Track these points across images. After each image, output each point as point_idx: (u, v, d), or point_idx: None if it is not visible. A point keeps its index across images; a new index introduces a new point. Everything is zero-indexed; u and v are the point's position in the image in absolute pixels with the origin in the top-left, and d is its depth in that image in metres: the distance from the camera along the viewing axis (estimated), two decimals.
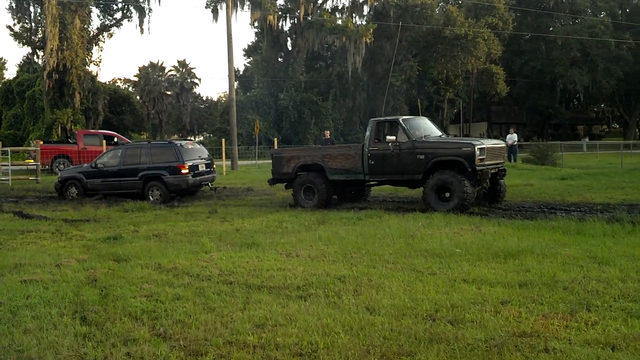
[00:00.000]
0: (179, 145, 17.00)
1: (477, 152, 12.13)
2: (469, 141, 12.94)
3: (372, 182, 14.45)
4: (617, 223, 9.66)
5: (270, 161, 15.77)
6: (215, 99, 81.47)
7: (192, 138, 51.50)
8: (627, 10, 60.58)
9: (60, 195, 17.90)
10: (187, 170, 16.33)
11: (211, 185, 17.82)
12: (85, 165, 19.08)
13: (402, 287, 6.25)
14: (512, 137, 29.32)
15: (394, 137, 13.06)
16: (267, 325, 5.12)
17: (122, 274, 7.21)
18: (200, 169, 17.09)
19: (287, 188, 15.15)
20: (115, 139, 29.13)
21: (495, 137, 53.28)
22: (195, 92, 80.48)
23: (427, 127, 13.86)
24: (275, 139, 32.49)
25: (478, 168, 12.20)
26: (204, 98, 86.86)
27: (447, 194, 12.39)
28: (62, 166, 27.80)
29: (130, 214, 13.80)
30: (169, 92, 74.78)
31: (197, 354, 4.53)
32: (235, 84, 57.43)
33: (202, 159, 17.47)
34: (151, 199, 16.42)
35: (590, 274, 6.49)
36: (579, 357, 4.16)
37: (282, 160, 14.83)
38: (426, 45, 51.11)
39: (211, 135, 50.29)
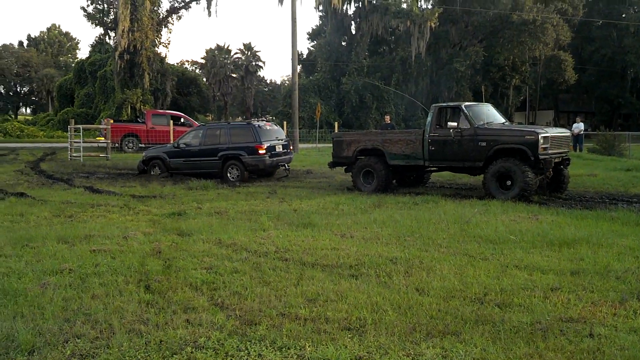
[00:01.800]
0: (257, 126, 17.40)
1: (541, 141, 11.91)
2: (532, 129, 12.70)
3: (431, 168, 14.44)
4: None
5: (331, 145, 15.95)
6: (278, 82, 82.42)
7: (271, 119, 52.40)
8: None
9: (142, 173, 18.49)
10: (264, 151, 16.67)
11: (287, 166, 18.14)
12: (168, 145, 19.78)
13: (452, 270, 6.36)
14: (579, 126, 28.54)
15: (455, 124, 12.97)
16: (318, 300, 5.34)
17: (184, 247, 7.59)
18: (277, 150, 17.41)
19: (347, 171, 15.27)
20: (182, 120, 29.95)
21: (562, 126, 51.87)
22: (259, 75, 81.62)
23: (490, 114, 13.67)
24: (336, 123, 32.66)
25: (541, 157, 11.97)
26: (268, 81, 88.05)
27: (509, 182, 12.24)
28: (131, 144, 28.87)
29: (194, 192, 14.31)
30: (234, 75, 76.04)
31: (251, 324, 4.78)
32: (299, 67, 57.93)
33: (279, 140, 17.80)
34: (230, 178, 16.86)
35: None
36: (623, 343, 4.20)
37: (342, 143, 14.95)
38: (492, 31, 50.00)
39: (274, 118, 50.87)
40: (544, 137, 12.04)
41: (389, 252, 7.20)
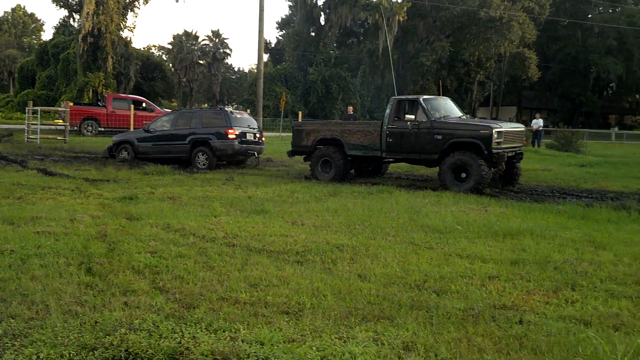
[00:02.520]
0: (229, 112, 17.45)
1: (495, 135, 12.15)
2: (486, 124, 12.98)
3: (388, 160, 14.64)
4: (624, 210, 9.69)
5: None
6: (246, 70, 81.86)
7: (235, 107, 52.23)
8: None
9: (110, 158, 18.25)
10: (234, 136, 16.55)
11: (257, 155, 18.03)
12: (140, 129, 19.55)
13: (396, 258, 6.44)
14: (538, 122, 29.08)
15: (413, 116, 13.10)
16: (260, 285, 5.35)
17: (131, 231, 7.52)
18: (248, 138, 17.28)
19: (306, 160, 15.39)
20: (144, 104, 29.57)
21: (524, 122, 52.72)
22: (227, 63, 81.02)
23: (447, 108, 13.88)
24: (300, 113, 32.62)
25: (494, 151, 12.20)
26: (236, 69, 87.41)
27: (464, 175, 12.44)
28: (90, 128, 28.39)
29: (149, 176, 14.17)
30: (201, 62, 75.25)
31: (190, 307, 4.76)
32: (266, 56, 57.79)
33: (251, 128, 17.69)
34: (198, 164, 16.70)
35: (583, 257, 6.61)
36: (550, 330, 4.32)
37: (302, 133, 15.07)
38: (460, 26, 50.49)
39: (239, 106, 50.57)
40: (498, 132, 12.27)
41: (337, 240, 7.26)
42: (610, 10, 57.68)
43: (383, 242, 7.21)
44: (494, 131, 12.18)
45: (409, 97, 14.53)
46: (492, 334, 4.26)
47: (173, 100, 67.01)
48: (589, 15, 58.18)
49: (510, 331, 4.31)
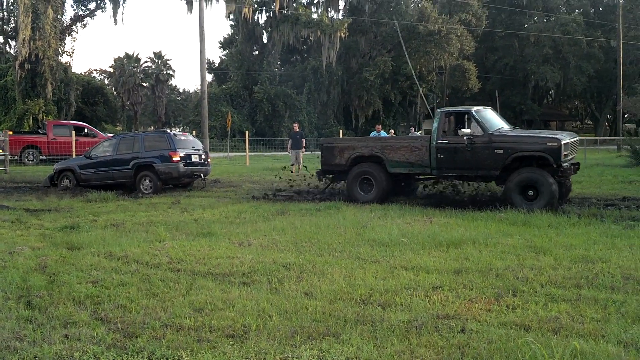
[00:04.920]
0: (172, 134, 17.16)
1: (563, 147, 11.26)
2: (553, 135, 11.89)
3: (440, 176, 13.33)
4: (564, 215, 9.99)
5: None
6: (191, 91, 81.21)
7: (178, 129, 51.59)
8: (600, 8, 61.47)
9: (51, 187, 17.69)
10: (178, 159, 16.28)
11: (203, 177, 17.78)
12: (80, 156, 18.98)
13: (343, 273, 6.47)
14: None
15: (469, 130, 12.08)
16: (205, 310, 5.29)
17: (72, 261, 7.34)
18: (193, 160, 17.04)
19: (335, 181, 14.60)
20: (86, 130, 29.01)
21: None
22: (171, 84, 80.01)
23: (496, 119, 12.97)
24: (247, 132, 32.56)
25: (563, 164, 11.33)
26: (181, 90, 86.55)
27: (531, 193, 11.39)
28: (31, 157, 27.64)
29: (92, 204, 13.85)
30: (144, 84, 74.16)
31: (132, 336, 4.68)
32: (210, 76, 57.57)
33: (195, 150, 17.44)
34: (143, 189, 16.34)
35: (524, 262, 6.78)
36: (492, 337, 4.40)
37: (334, 150, 13.84)
38: (400, 41, 51.40)
39: (185, 127, 50.15)
40: (565, 144, 11.40)
41: (284, 259, 7.24)
42: (545, 20, 59.65)
43: (330, 259, 7.24)
44: (562, 143, 11.25)
45: (459, 109, 13.36)
46: (434, 344, 4.32)
47: (117, 124, 65.88)
48: (525, 25, 59.98)
49: (452, 340, 4.38)
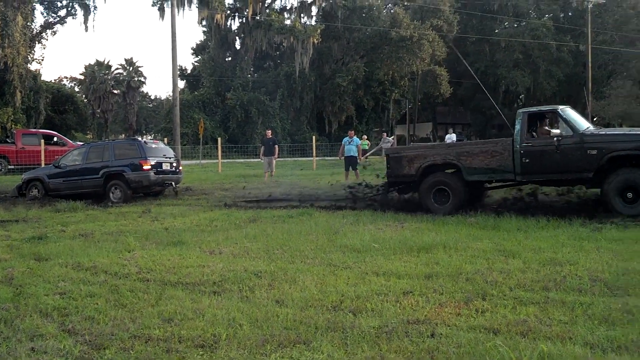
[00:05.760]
0: (142, 142, 17.01)
1: None
2: None
3: (521, 182, 12.29)
4: (532, 218, 10.11)
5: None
6: (163, 98, 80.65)
7: (149, 137, 51.13)
8: (569, 13, 62.47)
9: (19, 197, 17.41)
10: (149, 167, 16.12)
11: (175, 185, 17.63)
12: (50, 165, 18.72)
13: (314, 280, 6.46)
14: (451, 137, 30.17)
15: (558, 131, 11.44)
16: (174, 320, 5.24)
17: (39, 272, 7.23)
18: (164, 168, 16.89)
19: (402, 193, 13.40)
20: (55, 139, 28.59)
21: (440, 137, 54.43)
22: (142, 91, 79.50)
23: (581, 118, 12.26)
24: (219, 139, 32.40)
25: None
26: (152, 97, 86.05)
27: (630, 195, 10.52)
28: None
29: (61, 214, 13.66)
30: (115, 91, 73.44)
31: (100, 348, 4.61)
32: (182, 83, 57.16)
33: (167, 157, 17.29)
34: (112, 198, 16.12)
35: (494, 266, 6.84)
36: (461, 341, 4.43)
37: (402, 160, 12.72)
38: (373, 47, 51.69)
39: (157, 134, 49.77)
40: None
41: (255, 266, 7.21)
42: (515, 25, 60.35)
43: (301, 266, 7.22)
44: None
45: (543, 108, 12.57)
46: (405, 349, 4.33)
47: (88, 132, 65.09)
48: (496, 31, 60.72)
49: (422, 345, 4.40)
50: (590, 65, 41.87)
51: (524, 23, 57.68)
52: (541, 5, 60.39)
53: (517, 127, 11.66)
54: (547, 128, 11.92)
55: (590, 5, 42.04)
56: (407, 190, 13.22)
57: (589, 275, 6.33)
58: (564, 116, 11.42)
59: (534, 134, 11.80)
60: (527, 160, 11.35)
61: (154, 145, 17.44)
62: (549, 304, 5.38)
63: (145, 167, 16.09)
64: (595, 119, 52.91)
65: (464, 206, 11.81)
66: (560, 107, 11.86)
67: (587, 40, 41.34)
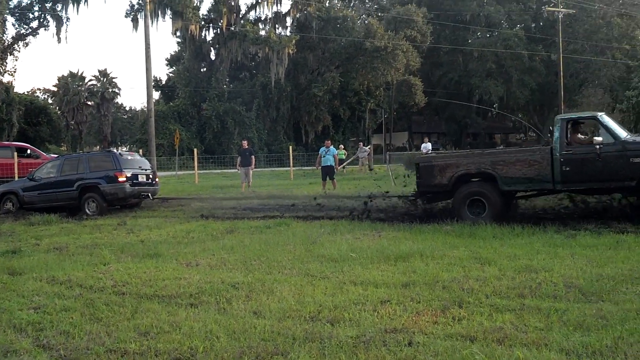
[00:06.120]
0: (117, 154, 16.80)
1: None
2: None
3: (561, 191, 11.92)
4: (507, 226, 10.21)
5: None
6: (138, 109, 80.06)
7: (124, 148, 50.58)
8: (541, 23, 63.52)
9: None
10: (124, 179, 15.94)
11: (152, 197, 17.48)
12: (24, 178, 18.39)
13: (292, 291, 6.44)
14: (427, 146, 30.33)
15: (600, 138, 10.99)
16: (151, 333, 5.19)
17: (13, 287, 7.13)
18: (140, 180, 16.71)
19: (431, 202, 12.87)
20: (29, 151, 28.14)
21: (416, 146, 54.73)
22: (117, 102, 78.82)
23: (619, 126, 11.92)
24: (196, 149, 32.26)
25: None
26: (127, 108, 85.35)
27: None
28: None
29: (35, 227, 13.47)
30: (89, 103, 72.66)
31: None
32: (157, 94, 56.86)
33: (142, 169, 17.13)
34: (87, 211, 15.90)
35: (470, 274, 6.89)
36: (438, 349, 4.45)
37: (433, 169, 12.16)
38: (348, 57, 52.05)
39: (132, 146, 49.39)
40: None
41: (233, 278, 7.18)
42: (488, 35, 61.25)
43: (279, 276, 7.20)
44: None
45: (582, 115, 12.28)
46: (382, 359, 4.34)
47: (62, 144, 64.23)
48: (469, 41, 61.50)
49: (399, 354, 4.41)
50: (562, 74, 42.59)
51: (496, 33, 58.53)
52: (513, 16, 61.34)
53: (556, 134, 11.26)
54: (580, 135, 11.62)
55: (560, 15, 42.77)
56: (434, 200, 12.82)
57: (564, 281, 6.40)
58: (605, 123, 11.10)
59: (567, 141, 11.38)
60: (568, 169, 10.95)
61: (129, 157, 17.29)
62: (524, 310, 5.43)
63: (120, 179, 15.93)
64: None
65: (500, 216, 11.28)
66: (600, 113, 11.56)
67: (559, 50, 42.03)
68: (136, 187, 16.48)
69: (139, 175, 16.71)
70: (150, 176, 17.41)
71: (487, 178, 11.63)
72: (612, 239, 8.89)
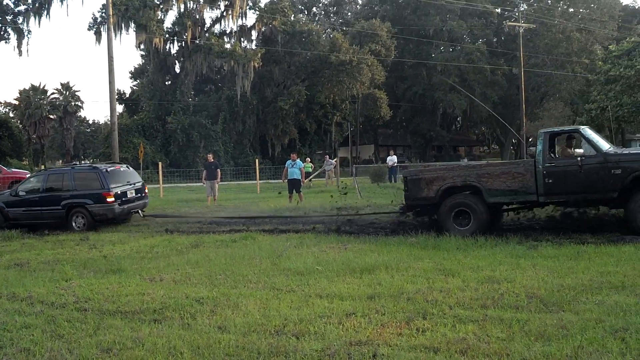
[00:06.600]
0: (104, 170, 15.89)
1: None
2: None
3: (545, 203, 11.99)
4: (470, 238, 10.35)
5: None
6: (101, 122, 79.02)
7: (88, 161, 49.68)
8: (502, 37, 64.74)
9: None
10: (112, 199, 15.30)
11: (141, 212, 17.05)
12: (6, 192, 17.51)
13: (257, 305, 6.43)
14: (392, 159, 30.57)
15: (582, 151, 11.37)
16: (113, 350, 5.13)
17: None
18: (129, 196, 16.16)
19: (418, 215, 12.93)
20: None
21: (382, 159, 55.17)
22: (80, 116, 77.65)
23: (601, 139, 12.07)
24: (160, 163, 31.93)
25: None
26: (90, 122, 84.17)
27: None
28: None
29: None
30: (51, 116, 71.47)
31: None
32: (121, 107, 56.18)
33: (131, 184, 16.53)
34: (76, 228, 15.32)
35: (434, 285, 6.97)
36: None
37: (420, 182, 12.31)
38: (313, 71, 52.23)
39: (95, 159, 48.59)
40: None
41: (197, 293, 7.13)
42: (451, 50, 62.10)
43: (244, 290, 7.18)
44: None
45: (566, 129, 12.47)
46: None
47: (23, 159, 62.92)
48: (432, 55, 62.34)
49: None
50: (523, 87, 43.36)
51: (459, 47, 59.45)
52: (475, 31, 62.39)
53: (539, 147, 11.46)
54: (568, 149, 11.91)
55: (521, 30, 43.65)
56: (422, 214, 12.87)
57: (526, 292, 6.52)
58: (587, 136, 11.27)
59: (552, 154, 11.66)
60: (550, 181, 11.16)
61: (116, 171, 16.42)
62: (487, 321, 5.51)
63: (108, 200, 15.29)
64: (530, 140, 54.92)
65: (486, 228, 11.46)
66: (582, 127, 11.76)
67: (520, 64, 42.86)
68: (125, 206, 15.89)
69: (127, 192, 16.15)
70: (140, 189, 16.92)
71: (473, 191, 11.85)
72: (572, 249, 9.09)
